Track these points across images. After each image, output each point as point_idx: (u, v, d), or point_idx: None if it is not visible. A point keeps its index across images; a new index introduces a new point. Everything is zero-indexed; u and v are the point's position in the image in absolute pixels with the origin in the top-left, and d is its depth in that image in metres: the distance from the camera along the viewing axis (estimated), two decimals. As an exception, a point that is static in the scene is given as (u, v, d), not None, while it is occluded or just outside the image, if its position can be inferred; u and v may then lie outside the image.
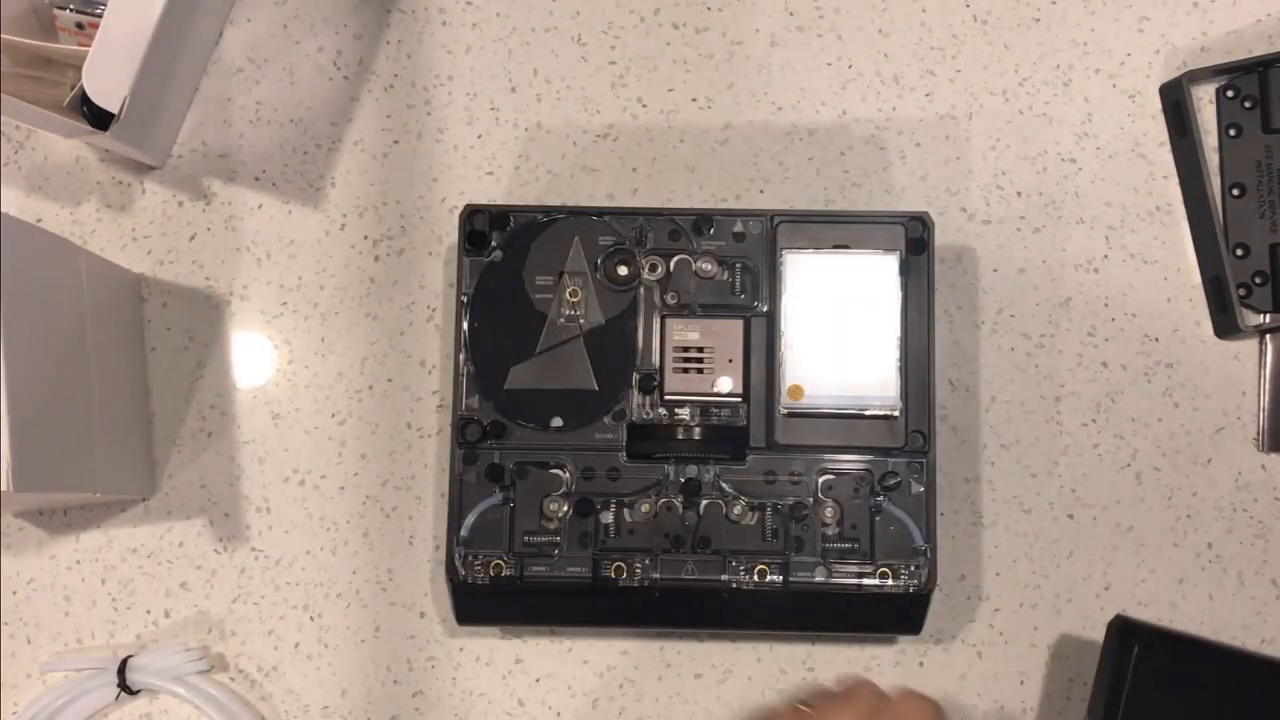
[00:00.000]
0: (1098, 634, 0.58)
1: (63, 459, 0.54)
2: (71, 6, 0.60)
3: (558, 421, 0.58)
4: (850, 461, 0.57)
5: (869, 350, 0.57)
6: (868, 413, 0.57)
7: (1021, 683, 0.61)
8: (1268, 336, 0.62)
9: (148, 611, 0.62)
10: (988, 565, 0.62)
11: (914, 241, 0.58)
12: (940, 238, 0.61)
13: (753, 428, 0.57)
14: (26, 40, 0.59)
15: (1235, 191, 0.63)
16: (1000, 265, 0.63)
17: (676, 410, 0.58)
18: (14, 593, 0.62)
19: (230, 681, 0.61)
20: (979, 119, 0.65)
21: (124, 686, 0.59)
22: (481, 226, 0.59)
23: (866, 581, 0.57)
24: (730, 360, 0.58)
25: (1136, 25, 0.65)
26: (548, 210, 0.59)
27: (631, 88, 0.65)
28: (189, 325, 0.63)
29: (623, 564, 0.57)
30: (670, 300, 0.58)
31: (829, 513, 0.57)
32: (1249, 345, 0.63)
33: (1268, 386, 0.62)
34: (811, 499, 0.57)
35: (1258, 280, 0.62)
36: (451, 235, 0.63)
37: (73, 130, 0.57)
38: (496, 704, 0.61)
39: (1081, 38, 0.65)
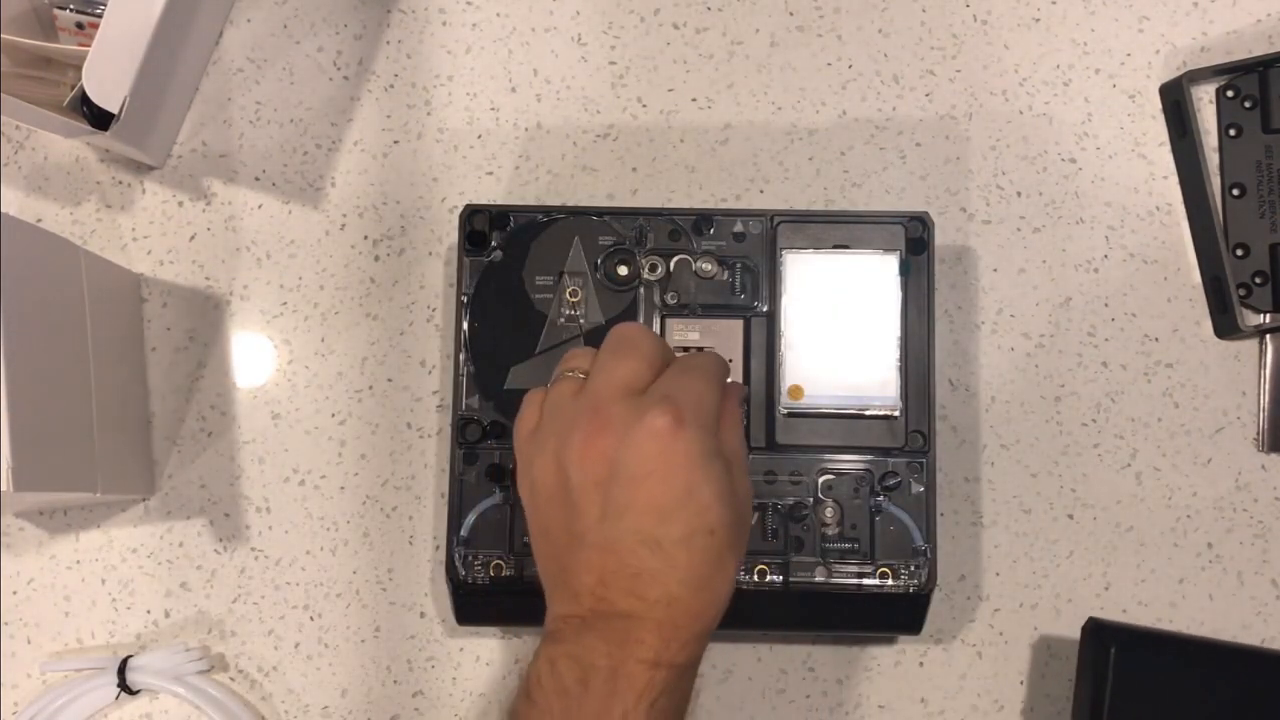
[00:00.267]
0: (1098, 634, 0.58)
1: (63, 459, 0.54)
2: (71, 6, 0.60)
3: (558, 421, 0.58)
4: (850, 461, 0.57)
5: (869, 350, 0.57)
6: (868, 413, 0.57)
7: (1021, 683, 0.61)
8: (1268, 336, 0.62)
9: (148, 611, 0.62)
10: (988, 565, 0.62)
11: (914, 241, 0.58)
12: (940, 238, 0.61)
13: (752, 427, 0.57)
14: (26, 40, 0.59)
15: (1235, 191, 0.63)
16: (1000, 265, 0.63)
17: (676, 410, 0.58)
18: (14, 593, 0.62)
19: (230, 681, 0.61)
20: (979, 119, 0.65)
21: (124, 686, 0.59)
22: (481, 226, 0.59)
23: (866, 581, 0.57)
24: (730, 360, 0.58)
25: (1136, 25, 0.65)
26: (548, 210, 0.59)
27: (631, 88, 0.65)
28: (189, 325, 0.63)
29: (623, 564, 0.57)
30: (670, 300, 0.58)
31: (829, 513, 0.57)
32: (1249, 345, 0.63)
33: (1268, 386, 0.62)
34: (811, 499, 0.57)
35: (1258, 280, 0.62)
36: (451, 235, 0.63)
37: (73, 130, 0.57)
38: (496, 704, 0.61)
39: (1081, 38, 0.65)
